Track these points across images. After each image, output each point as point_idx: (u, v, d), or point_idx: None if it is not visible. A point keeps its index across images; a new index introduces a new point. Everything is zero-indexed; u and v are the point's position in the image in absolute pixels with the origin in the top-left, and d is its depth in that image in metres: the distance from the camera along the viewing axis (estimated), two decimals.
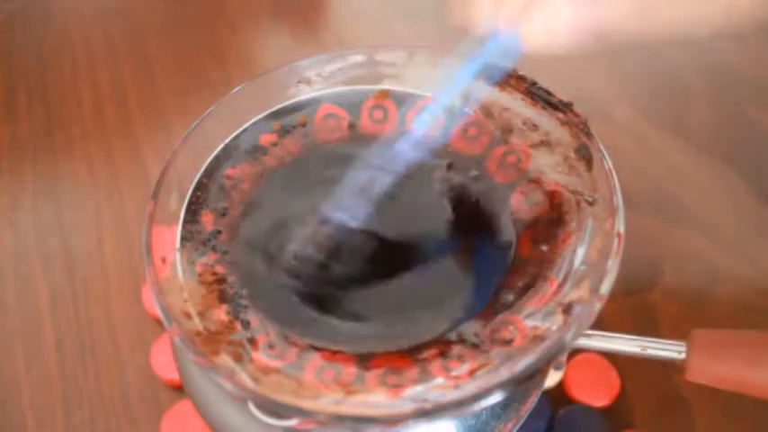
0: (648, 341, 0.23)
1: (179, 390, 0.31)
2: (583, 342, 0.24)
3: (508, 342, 0.19)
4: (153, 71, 0.46)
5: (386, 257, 0.22)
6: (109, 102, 0.45)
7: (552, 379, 0.31)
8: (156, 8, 0.51)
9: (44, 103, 0.45)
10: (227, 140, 0.25)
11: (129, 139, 0.42)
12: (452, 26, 0.21)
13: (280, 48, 0.49)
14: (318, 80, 0.26)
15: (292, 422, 0.18)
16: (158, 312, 0.19)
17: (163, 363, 0.32)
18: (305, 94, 0.26)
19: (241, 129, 0.25)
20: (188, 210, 0.23)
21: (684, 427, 0.30)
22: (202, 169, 0.24)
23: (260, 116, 0.25)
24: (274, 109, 0.26)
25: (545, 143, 0.23)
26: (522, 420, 0.23)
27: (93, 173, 0.40)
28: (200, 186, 0.24)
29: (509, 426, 0.22)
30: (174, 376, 0.31)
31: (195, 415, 0.24)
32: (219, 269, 0.22)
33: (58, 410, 0.31)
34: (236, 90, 0.25)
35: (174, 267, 0.21)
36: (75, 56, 0.48)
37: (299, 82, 0.26)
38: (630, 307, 0.33)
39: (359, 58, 0.26)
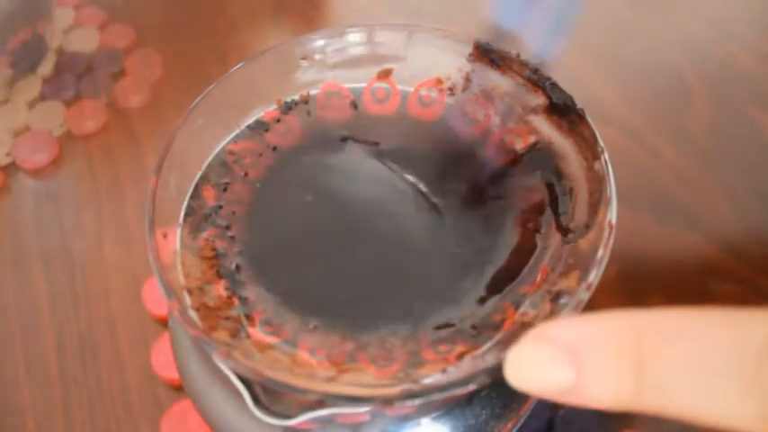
0: None
1: (179, 390, 0.31)
2: None
3: (497, 327, 0.19)
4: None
5: (382, 238, 0.23)
6: None
7: None
8: (157, 8, 0.51)
9: None
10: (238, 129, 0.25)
11: (129, 139, 0.42)
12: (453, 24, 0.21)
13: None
14: (320, 58, 0.26)
15: (292, 421, 0.18)
16: (159, 288, 0.19)
17: (163, 362, 0.32)
18: (307, 72, 0.26)
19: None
20: (190, 185, 0.23)
21: (684, 427, 0.30)
22: (215, 147, 0.24)
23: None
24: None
25: None
26: (522, 420, 0.23)
27: (93, 173, 0.40)
28: (203, 162, 0.24)
29: (509, 426, 0.22)
30: (174, 376, 0.31)
31: (195, 415, 0.24)
32: (220, 244, 0.22)
33: (58, 410, 0.31)
34: (235, 68, 0.25)
35: (175, 242, 0.21)
36: None
37: (303, 59, 0.26)
38: (629, 306, 0.33)
39: (359, 37, 0.26)
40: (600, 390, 0.14)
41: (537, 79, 0.23)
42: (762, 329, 0.12)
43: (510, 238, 0.22)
